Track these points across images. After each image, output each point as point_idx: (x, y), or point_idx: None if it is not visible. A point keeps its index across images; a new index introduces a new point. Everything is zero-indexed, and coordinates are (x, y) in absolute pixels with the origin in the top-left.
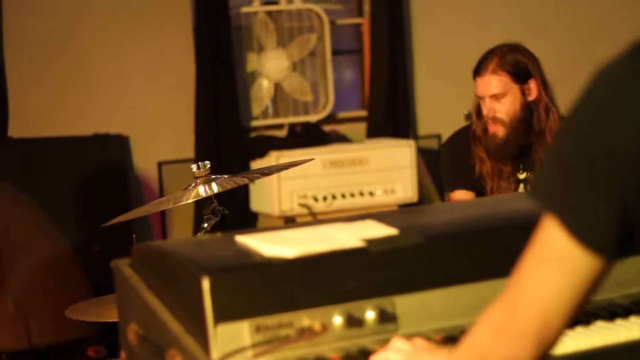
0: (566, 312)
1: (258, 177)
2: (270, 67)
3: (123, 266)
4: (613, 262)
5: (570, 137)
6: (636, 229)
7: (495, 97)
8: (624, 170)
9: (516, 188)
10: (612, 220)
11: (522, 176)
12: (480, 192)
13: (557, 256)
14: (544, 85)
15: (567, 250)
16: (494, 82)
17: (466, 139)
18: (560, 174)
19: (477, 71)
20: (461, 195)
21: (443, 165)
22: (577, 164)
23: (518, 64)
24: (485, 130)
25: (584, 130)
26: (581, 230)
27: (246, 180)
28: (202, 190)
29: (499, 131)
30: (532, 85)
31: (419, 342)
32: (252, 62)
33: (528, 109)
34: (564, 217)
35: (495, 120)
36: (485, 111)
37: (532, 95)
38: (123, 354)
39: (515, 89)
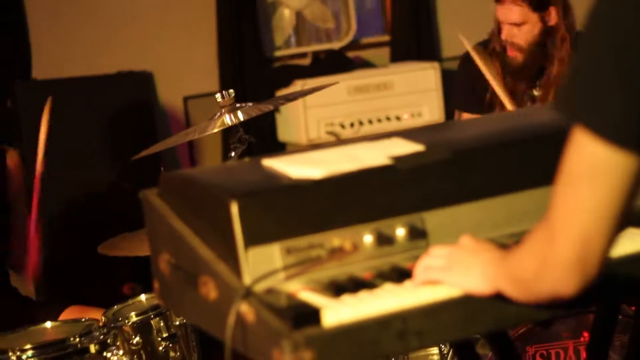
0: (608, 232)
1: (282, 104)
2: None
3: (151, 196)
4: None
5: (591, 42)
6: None
7: (515, 24)
8: None
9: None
10: None
11: (537, 93)
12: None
13: (594, 168)
14: (564, 11)
15: (600, 157)
16: (513, 11)
17: (485, 57)
18: (585, 79)
19: None
20: (464, 115)
21: (456, 82)
22: (600, 66)
23: None
24: (504, 49)
25: (605, 30)
26: (613, 129)
27: (271, 107)
28: (227, 119)
29: (517, 56)
30: (552, 12)
31: (462, 240)
32: None
33: (546, 34)
34: (594, 121)
35: (513, 45)
36: (503, 36)
37: (552, 21)
38: (156, 284)
39: (534, 17)
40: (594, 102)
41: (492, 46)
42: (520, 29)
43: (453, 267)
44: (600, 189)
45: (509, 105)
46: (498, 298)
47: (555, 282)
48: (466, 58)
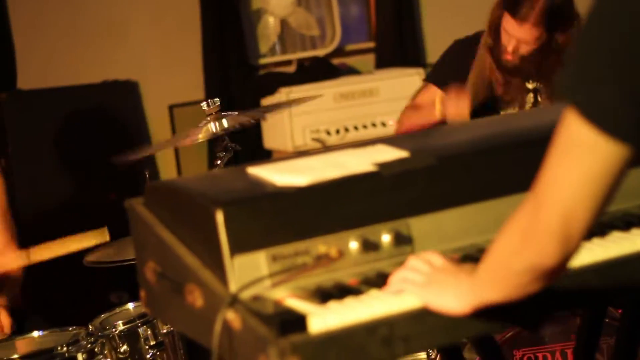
0: (590, 208)
1: (263, 117)
2: (275, 4)
3: (137, 205)
4: (634, 153)
5: (593, 32)
6: None
7: (525, 41)
8: None
9: (524, 98)
10: (634, 107)
11: (531, 86)
12: (492, 100)
13: (580, 148)
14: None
15: (589, 140)
16: (532, 32)
17: (474, 49)
18: (583, 66)
19: (516, 13)
20: (433, 89)
21: (442, 57)
22: (598, 57)
23: (559, 17)
24: (498, 52)
25: (607, 25)
26: (603, 118)
27: (253, 119)
28: (212, 127)
29: (517, 60)
30: (562, 37)
31: (437, 260)
32: None
33: (550, 42)
34: (586, 106)
35: (516, 54)
36: (510, 48)
37: (559, 41)
38: (143, 293)
39: (545, 35)
40: (587, 89)
41: (486, 41)
42: (530, 44)
43: (429, 286)
44: (585, 167)
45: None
46: (474, 316)
47: (537, 252)
48: (463, 43)
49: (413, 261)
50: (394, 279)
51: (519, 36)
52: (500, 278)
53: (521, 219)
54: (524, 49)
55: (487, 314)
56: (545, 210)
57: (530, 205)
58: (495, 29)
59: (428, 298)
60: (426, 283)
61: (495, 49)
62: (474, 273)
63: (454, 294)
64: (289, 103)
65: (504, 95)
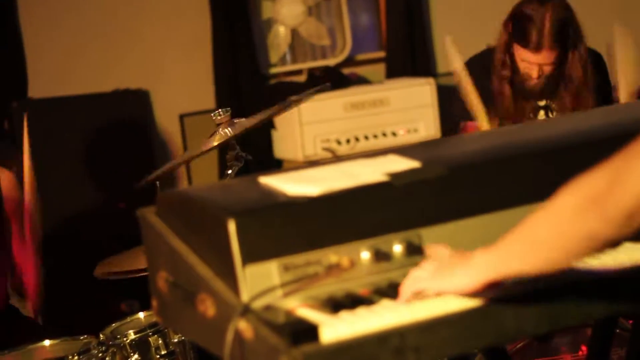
0: None
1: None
2: (286, 13)
3: (149, 215)
4: None
5: None
6: None
7: (547, 64)
8: None
9: (535, 115)
10: None
11: (542, 103)
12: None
13: None
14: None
15: None
16: (549, 57)
17: (486, 67)
18: None
19: (529, 43)
20: (472, 125)
21: (457, 94)
22: None
23: (567, 31)
24: (519, 81)
25: None
26: None
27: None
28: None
29: (539, 83)
30: (576, 53)
31: (444, 252)
32: (267, 9)
33: (565, 60)
34: None
35: (542, 77)
36: (534, 73)
37: (574, 59)
38: (154, 302)
39: (563, 52)
40: None
41: (502, 73)
42: (552, 65)
43: (437, 273)
44: None
45: (485, 124)
46: (485, 296)
47: (601, 218)
48: (471, 65)
49: (423, 263)
50: (406, 282)
51: (539, 62)
52: (542, 244)
53: (593, 184)
54: (548, 70)
55: (498, 323)
56: (623, 185)
57: (606, 177)
58: (507, 57)
59: (438, 284)
60: (434, 272)
61: (515, 78)
62: (495, 246)
63: (464, 271)
64: (295, 100)
65: (517, 115)
